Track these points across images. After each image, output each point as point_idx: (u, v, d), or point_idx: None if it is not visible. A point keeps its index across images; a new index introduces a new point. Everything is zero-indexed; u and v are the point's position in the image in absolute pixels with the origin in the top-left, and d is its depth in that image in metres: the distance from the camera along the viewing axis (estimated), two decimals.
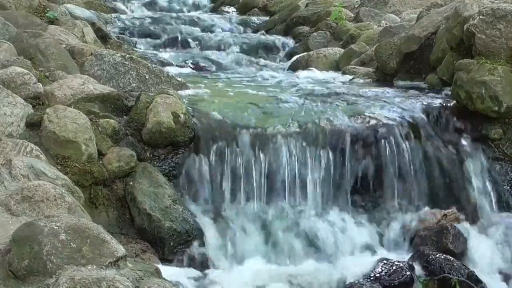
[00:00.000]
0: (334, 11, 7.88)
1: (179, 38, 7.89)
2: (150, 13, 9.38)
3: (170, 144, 4.00)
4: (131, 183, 3.77)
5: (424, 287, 3.66)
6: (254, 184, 3.99)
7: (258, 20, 9.11)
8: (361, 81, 5.54)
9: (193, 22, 8.56)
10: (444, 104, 4.52)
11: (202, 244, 3.71)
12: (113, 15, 8.50)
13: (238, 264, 3.73)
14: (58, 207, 2.86)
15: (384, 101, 4.60)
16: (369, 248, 3.93)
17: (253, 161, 4.01)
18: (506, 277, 3.89)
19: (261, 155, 4.03)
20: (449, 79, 4.69)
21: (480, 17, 4.37)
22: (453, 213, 4.09)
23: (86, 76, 4.40)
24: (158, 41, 7.84)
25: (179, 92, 4.51)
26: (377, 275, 3.61)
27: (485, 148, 4.32)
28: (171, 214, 3.69)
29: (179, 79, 4.92)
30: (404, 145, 4.21)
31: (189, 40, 7.85)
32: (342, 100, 4.63)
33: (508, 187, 4.23)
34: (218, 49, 7.60)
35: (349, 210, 4.10)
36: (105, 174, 3.76)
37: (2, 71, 3.90)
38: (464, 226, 4.06)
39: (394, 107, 4.47)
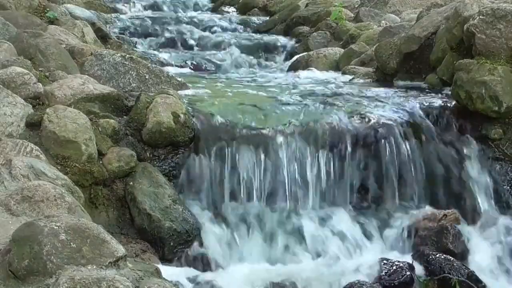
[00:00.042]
0: (334, 11, 7.89)
1: (179, 38, 7.89)
2: (150, 13, 9.38)
3: (170, 144, 4.00)
4: (131, 183, 3.77)
5: (424, 287, 3.66)
6: (254, 184, 3.99)
7: (258, 20, 9.11)
8: (361, 81, 5.54)
9: (193, 22, 8.56)
10: (444, 104, 4.52)
11: (202, 244, 3.71)
12: (113, 15, 8.50)
13: (238, 264, 3.73)
14: (58, 207, 2.86)
15: (384, 101, 4.60)
16: (369, 248, 3.93)
17: (253, 161, 4.01)
18: (506, 277, 3.89)
19: (261, 155, 4.03)
20: (449, 79, 4.69)
21: (480, 17, 4.37)
22: (453, 213, 4.09)
23: (86, 76, 4.40)
24: (158, 41, 7.84)
25: (179, 92, 4.51)
26: (377, 275, 3.61)
27: (485, 148, 4.31)
28: (171, 214, 3.69)
29: (179, 79, 4.92)
30: (404, 145, 4.21)
31: (189, 40, 7.86)
32: (342, 100, 4.63)
33: (508, 187, 4.23)
34: (218, 49, 7.60)
35: (349, 210, 4.10)
36: (105, 174, 3.76)
37: (2, 71, 3.90)
38: (464, 226, 4.06)
39: (394, 107, 4.47)
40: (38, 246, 2.38)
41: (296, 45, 7.75)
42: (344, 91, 4.99)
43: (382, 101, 4.60)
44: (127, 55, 4.96)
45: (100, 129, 3.88)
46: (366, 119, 4.27)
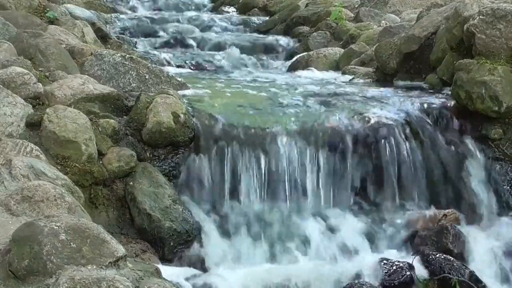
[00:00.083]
0: (334, 11, 7.88)
1: (179, 38, 7.88)
2: (150, 13, 9.38)
3: (170, 144, 4.00)
4: (131, 183, 3.77)
5: (424, 287, 3.66)
6: (254, 184, 3.99)
7: (258, 20, 9.11)
8: (361, 81, 5.54)
9: (193, 22, 8.56)
10: (444, 104, 4.52)
11: (202, 244, 3.72)
12: (113, 15, 8.50)
13: (238, 264, 3.72)
14: (58, 207, 2.86)
15: (384, 101, 4.59)
16: (369, 248, 3.93)
17: (253, 161, 4.01)
18: (506, 277, 3.89)
19: (261, 155, 4.03)
20: (449, 79, 4.69)
21: (480, 17, 4.37)
22: (453, 213, 4.09)
23: (86, 76, 4.40)
24: (158, 41, 7.84)
25: (179, 92, 4.51)
26: (377, 275, 3.61)
27: (485, 148, 4.31)
28: (171, 214, 3.69)
29: (179, 79, 4.92)
30: (404, 145, 4.21)
31: (189, 40, 7.85)
32: (342, 100, 4.63)
33: (508, 187, 4.23)
34: (218, 49, 7.60)
35: (349, 210, 4.10)
36: (105, 174, 3.76)
37: (2, 71, 3.90)
38: (464, 226, 4.06)
39: (394, 107, 4.47)
40: (38, 246, 2.38)
41: (296, 45, 7.74)
42: (344, 91, 4.99)
43: (382, 101, 4.60)
44: (127, 55, 4.96)
45: (100, 129, 3.88)
46: (366, 119, 4.27)
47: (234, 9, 10.33)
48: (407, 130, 4.26)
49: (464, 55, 4.60)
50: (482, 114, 4.30)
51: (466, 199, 4.20)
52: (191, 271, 3.58)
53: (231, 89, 5.04)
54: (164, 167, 3.96)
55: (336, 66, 6.34)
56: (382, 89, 5.02)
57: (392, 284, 3.57)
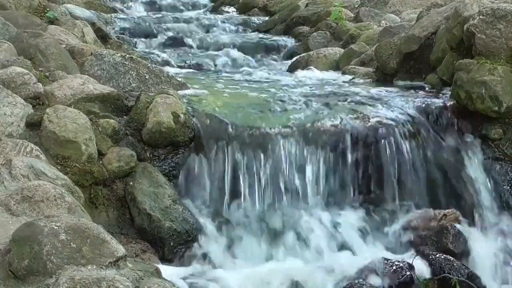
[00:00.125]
0: (334, 11, 7.89)
1: (179, 38, 7.89)
2: (150, 13, 9.39)
3: (170, 144, 4.00)
4: (131, 183, 3.78)
5: (424, 287, 3.66)
6: (254, 184, 3.99)
7: (258, 20, 9.12)
8: (361, 81, 5.53)
9: (193, 22, 8.56)
10: (444, 104, 4.52)
11: (202, 244, 3.71)
12: (113, 15, 8.51)
13: (238, 264, 3.72)
14: (58, 207, 2.86)
15: (384, 101, 4.59)
16: (369, 248, 3.93)
17: (253, 161, 4.01)
18: (506, 277, 3.89)
19: (261, 155, 4.03)
20: (449, 79, 4.69)
21: (480, 17, 4.37)
22: (453, 213, 4.09)
23: (86, 76, 4.40)
24: (158, 41, 7.84)
25: (179, 92, 4.50)
26: (377, 275, 3.61)
27: (485, 148, 4.32)
28: (171, 214, 3.69)
29: (179, 79, 4.92)
30: (404, 145, 4.21)
31: (189, 40, 7.86)
32: (342, 100, 4.63)
33: (508, 187, 4.23)
34: (218, 49, 7.60)
35: (349, 210, 4.10)
36: (105, 174, 3.76)
37: (2, 71, 3.90)
38: (464, 226, 4.06)
39: (394, 107, 4.47)
40: (38, 246, 2.38)
41: (296, 45, 7.75)
42: (344, 91, 4.99)
43: (382, 101, 4.60)
44: (127, 55, 4.96)
45: (100, 129, 3.88)
46: (366, 119, 4.27)
47: (234, 9, 10.34)
48: (407, 130, 4.26)
49: (464, 55, 4.60)
50: (482, 114, 4.30)
51: (466, 199, 4.20)
52: (191, 271, 3.58)
53: (231, 89, 5.04)
54: (164, 167, 3.96)
55: (336, 66, 6.34)
56: (382, 89, 5.01)
57: (392, 284, 3.57)
